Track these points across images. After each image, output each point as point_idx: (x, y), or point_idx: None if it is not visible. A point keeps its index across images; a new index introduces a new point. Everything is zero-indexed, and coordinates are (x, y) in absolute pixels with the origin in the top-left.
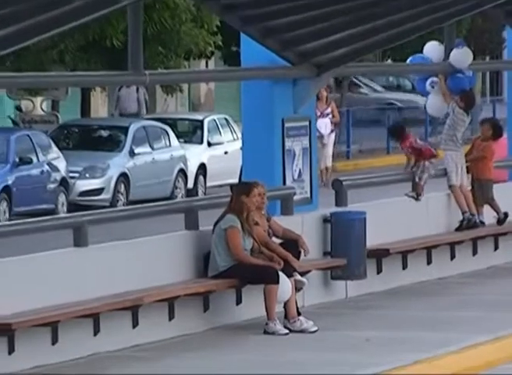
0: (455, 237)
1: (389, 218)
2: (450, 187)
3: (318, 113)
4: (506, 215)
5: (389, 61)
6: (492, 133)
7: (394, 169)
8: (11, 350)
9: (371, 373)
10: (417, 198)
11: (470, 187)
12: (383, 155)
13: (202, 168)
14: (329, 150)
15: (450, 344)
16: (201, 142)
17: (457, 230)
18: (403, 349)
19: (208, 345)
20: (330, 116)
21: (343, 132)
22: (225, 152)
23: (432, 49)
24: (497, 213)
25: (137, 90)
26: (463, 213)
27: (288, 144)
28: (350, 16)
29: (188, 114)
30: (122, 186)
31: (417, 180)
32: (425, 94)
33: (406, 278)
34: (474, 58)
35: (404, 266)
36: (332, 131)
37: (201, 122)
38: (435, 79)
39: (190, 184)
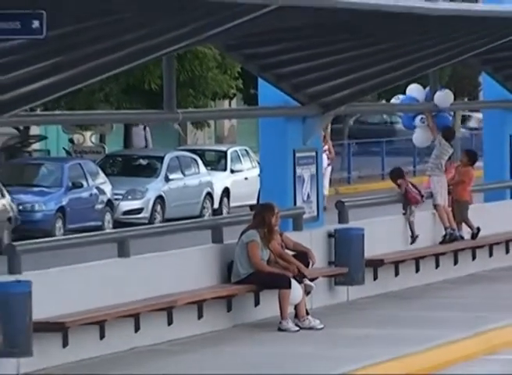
0: (439, 249)
1: (383, 233)
2: (436, 206)
3: None
4: (478, 229)
5: (383, 101)
6: (467, 159)
7: (387, 192)
8: (65, 344)
9: (368, 363)
10: (413, 238)
11: (450, 208)
12: (378, 180)
13: (226, 191)
14: (326, 182)
15: (435, 339)
16: (225, 169)
17: (441, 243)
18: (396, 344)
19: (230, 340)
20: (327, 152)
21: (344, 160)
22: (246, 178)
23: (414, 90)
24: (471, 229)
25: (144, 128)
26: (445, 229)
27: (298, 171)
28: (350, 64)
29: (214, 146)
30: (159, 206)
31: (410, 220)
32: (410, 128)
33: (398, 284)
34: (454, 99)
35: (396, 274)
36: (328, 165)
37: (225, 152)
38: (424, 116)
39: (216, 205)
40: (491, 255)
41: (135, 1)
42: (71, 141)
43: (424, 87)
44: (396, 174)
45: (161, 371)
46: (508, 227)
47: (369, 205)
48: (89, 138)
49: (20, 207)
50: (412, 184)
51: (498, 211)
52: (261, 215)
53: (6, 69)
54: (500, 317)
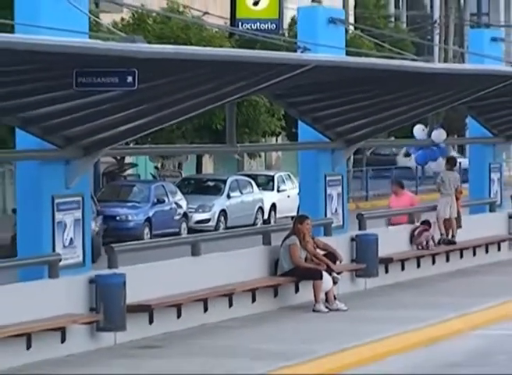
0: (435, 250)
1: (393, 238)
2: (437, 218)
3: None
4: (452, 241)
5: (393, 138)
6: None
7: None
8: (151, 321)
9: (381, 336)
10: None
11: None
12: (389, 197)
13: (273, 206)
14: None
15: (432, 318)
16: (273, 189)
17: (436, 245)
18: (402, 322)
19: (277, 318)
20: None
21: (363, 182)
22: (288, 196)
23: (419, 129)
24: (453, 233)
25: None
26: (441, 235)
27: (328, 190)
28: (368, 110)
29: (264, 171)
30: (223, 217)
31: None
32: (422, 165)
33: (403, 276)
34: (447, 136)
35: (402, 269)
36: None
37: (273, 176)
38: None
39: (266, 216)
40: (474, 254)
41: (207, 64)
42: (156, 167)
43: (426, 126)
44: (424, 222)
45: (223, 340)
46: (487, 233)
47: (382, 217)
48: (169, 166)
49: (117, 218)
50: (426, 232)
51: (480, 221)
52: (297, 224)
53: (107, 113)
54: (481, 301)
